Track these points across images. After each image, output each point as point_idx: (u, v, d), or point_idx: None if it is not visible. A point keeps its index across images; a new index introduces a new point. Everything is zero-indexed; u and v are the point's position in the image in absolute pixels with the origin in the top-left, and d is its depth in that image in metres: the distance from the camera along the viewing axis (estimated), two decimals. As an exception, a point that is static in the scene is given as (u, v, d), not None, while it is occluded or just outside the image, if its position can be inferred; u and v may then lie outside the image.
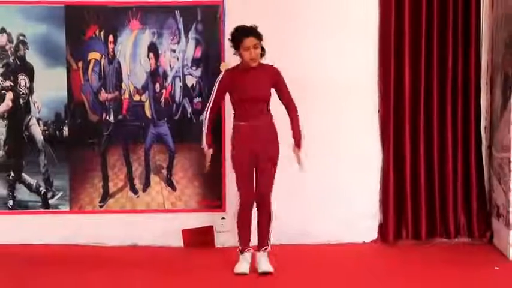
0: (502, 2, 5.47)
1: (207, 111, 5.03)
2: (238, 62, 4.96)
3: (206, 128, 5.01)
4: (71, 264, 5.19)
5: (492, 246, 5.62)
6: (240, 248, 5.01)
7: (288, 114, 4.96)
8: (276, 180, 4.93)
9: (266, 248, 4.99)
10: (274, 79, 4.92)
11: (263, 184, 4.92)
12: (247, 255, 5.00)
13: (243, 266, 4.97)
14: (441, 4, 5.60)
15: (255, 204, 4.96)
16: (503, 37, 5.40)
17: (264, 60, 4.94)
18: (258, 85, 4.87)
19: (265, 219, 4.97)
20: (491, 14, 5.65)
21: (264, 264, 4.95)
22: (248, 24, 4.88)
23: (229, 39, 4.91)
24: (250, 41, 4.79)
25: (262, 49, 4.86)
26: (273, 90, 4.95)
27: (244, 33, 4.81)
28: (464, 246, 5.65)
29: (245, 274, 4.93)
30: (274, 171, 4.94)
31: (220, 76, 5.00)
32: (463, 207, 5.73)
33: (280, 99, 4.97)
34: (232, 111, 5.01)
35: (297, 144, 4.93)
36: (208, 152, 5.07)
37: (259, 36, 4.82)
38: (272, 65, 4.94)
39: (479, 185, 5.72)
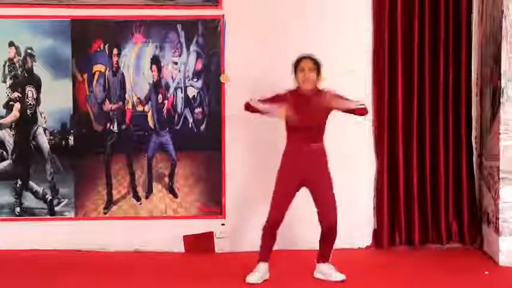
0: (489, 20, 5.54)
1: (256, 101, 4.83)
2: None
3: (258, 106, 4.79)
4: (75, 268, 5.24)
5: (482, 251, 5.69)
6: (259, 257, 4.89)
7: None
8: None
9: (326, 262, 4.96)
10: (327, 101, 4.75)
11: (328, 214, 4.82)
12: (263, 266, 4.88)
13: (255, 276, 4.85)
14: (433, 20, 5.68)
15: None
16: (491, 52, 5.47)
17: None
18: (312, 112, 4.75)
19: (331, 241, 4.91)
20: (480, 29, 5.72)
21: (336, 273, 4.93)
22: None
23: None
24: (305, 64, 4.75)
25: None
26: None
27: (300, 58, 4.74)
28: (455, 252, 5.72)
29: (256, 283, 4.82)
30: (333, 195, 4.84)
31: (283, 92, 4.85)
32: (454, 214, 5.79)
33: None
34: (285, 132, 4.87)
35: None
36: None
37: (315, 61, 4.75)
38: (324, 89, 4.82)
39: (470, 192, 5.79)
